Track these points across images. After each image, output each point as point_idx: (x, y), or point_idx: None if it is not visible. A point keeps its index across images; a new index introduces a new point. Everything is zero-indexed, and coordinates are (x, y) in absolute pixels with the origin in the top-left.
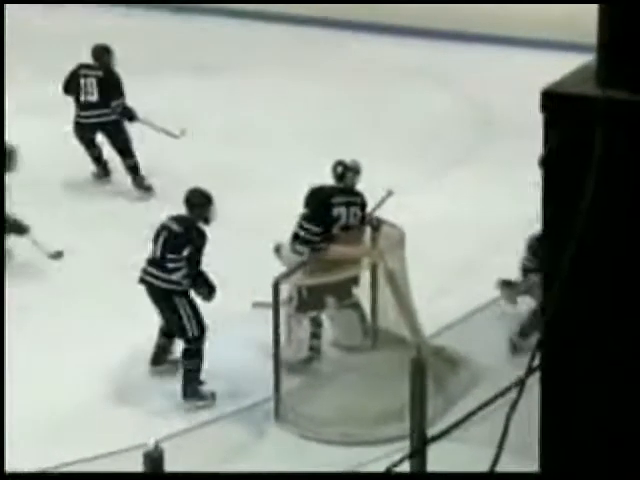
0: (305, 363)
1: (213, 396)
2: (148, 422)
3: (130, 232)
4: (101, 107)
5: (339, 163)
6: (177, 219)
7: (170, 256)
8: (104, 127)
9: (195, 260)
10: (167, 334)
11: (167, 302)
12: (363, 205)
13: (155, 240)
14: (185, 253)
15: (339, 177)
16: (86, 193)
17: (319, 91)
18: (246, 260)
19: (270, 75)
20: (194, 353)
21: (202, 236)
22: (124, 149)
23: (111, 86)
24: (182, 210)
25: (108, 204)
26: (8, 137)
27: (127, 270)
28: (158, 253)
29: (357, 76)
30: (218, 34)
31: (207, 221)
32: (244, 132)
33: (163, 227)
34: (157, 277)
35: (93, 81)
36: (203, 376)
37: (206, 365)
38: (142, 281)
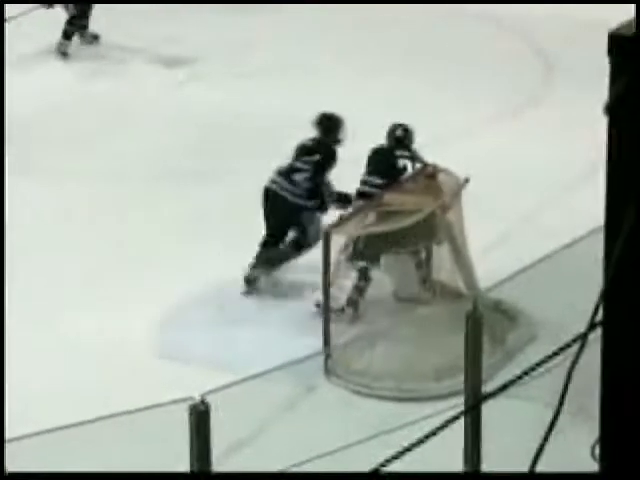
0: (337, 313)
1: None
2: (193, 375)
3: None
4: None
5: (399, 125)
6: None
7: (298, 163)
8: None
9: (321, 172)
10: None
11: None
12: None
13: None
14: (315, 158)
15: (398, 139)
16: None
17: (374, 36)
18: None
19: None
20: (299, 247)
21: (332, 155)
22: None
23: None
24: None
25: None
26: None
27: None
28: (288, 165)
29: (417, 19)
30: None
31: (339, 142)
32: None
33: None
34: (284, 189)
35: None
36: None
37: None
38: (268, 191)
